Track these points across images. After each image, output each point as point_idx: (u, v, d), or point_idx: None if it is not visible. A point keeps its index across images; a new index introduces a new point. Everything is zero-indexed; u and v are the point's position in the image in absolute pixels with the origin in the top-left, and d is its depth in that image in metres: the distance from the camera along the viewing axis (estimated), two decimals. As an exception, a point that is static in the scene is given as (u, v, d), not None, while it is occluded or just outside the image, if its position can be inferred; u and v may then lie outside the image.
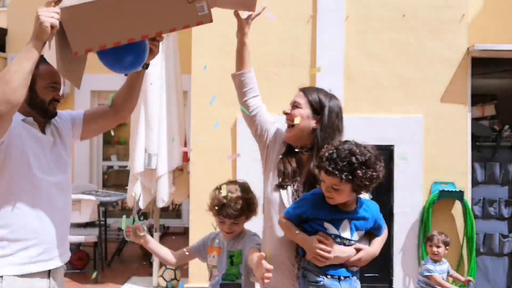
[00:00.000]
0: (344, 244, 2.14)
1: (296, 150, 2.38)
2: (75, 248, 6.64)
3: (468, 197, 5.37)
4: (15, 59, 1.96)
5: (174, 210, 8.60)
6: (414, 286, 5.21)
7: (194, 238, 5.47)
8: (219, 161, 5.45)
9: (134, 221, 2.65)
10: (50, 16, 1.90)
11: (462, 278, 4.57)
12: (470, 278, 4.58)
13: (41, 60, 2.21)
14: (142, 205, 5.55)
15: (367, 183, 2.03)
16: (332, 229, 2.12)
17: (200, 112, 5.47)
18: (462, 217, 5.37)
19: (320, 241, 2.08)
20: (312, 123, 2.37)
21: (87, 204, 5.90)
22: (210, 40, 5.49)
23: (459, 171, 5.37)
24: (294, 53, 5.46)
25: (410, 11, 5.43)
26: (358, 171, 1.99)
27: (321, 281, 2.09)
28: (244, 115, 2.55)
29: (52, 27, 1.90)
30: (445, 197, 5.26)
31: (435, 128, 5.38)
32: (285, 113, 2.42)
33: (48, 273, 2.25)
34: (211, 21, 2.14)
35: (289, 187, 2.32)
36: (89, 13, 1.94)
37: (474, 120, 5.58)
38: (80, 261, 6.13)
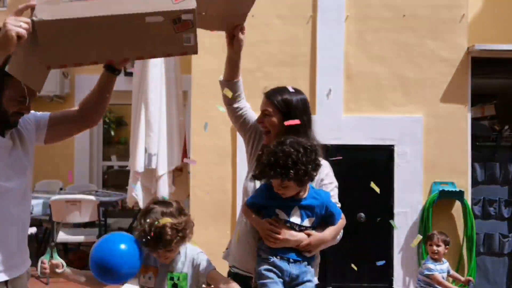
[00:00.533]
0: (295, 230, 2.33)
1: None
2: (75, 248, 6.65)
3: (468, 197, 5.37)
4: None
5: (174, 210, 8.59)
6: (414, 286, 5.21)
7: (194, 237, 5.47)
8: (219, 161, 5.46)
9: (52, 256, 2.42)
10: (18, 25, 1.83)
11: (462, 278, 4.58)
12: (470, 278, 4.59)
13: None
14: (142, 205, 5.55)
15: (306, 177, 2.26)
16: (283, 215, 2.34)
17: (200, 112, 5.47)
18: (462, 217, 5.37)
19: (271, 224, 2.32)
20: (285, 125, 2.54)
21: (87, 204, 5.90)
22: (210, 40, 5.49)
23: (459, 171, 5.37)
24: (294, 53, 5.46)
25: (410, 11, 5.43)
26: (292, 171, 2.22)
27: (271, 258, 2.31)
28: (230, 112, 2.83)
29: (19, 37, 1.82)
30: (445, 197, 5.26)
31: (435, 128, 5.39)
32: (259, 122, 2.62)
33: (6, 283, 2.16)
34: (195, 52, 2.03)
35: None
36: (70, 29, 1.84)
37: (474, 120, 5.58)
38: (80, 261, 6.13)
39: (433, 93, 5.41)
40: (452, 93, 5.40)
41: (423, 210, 5.33)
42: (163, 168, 5.33)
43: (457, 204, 5.38)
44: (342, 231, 2.47)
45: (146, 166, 5.30)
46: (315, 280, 2.44)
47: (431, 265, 4.39)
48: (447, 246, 4.49)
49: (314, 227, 2.37)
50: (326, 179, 2.50)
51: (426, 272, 4.38)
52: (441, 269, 4.42)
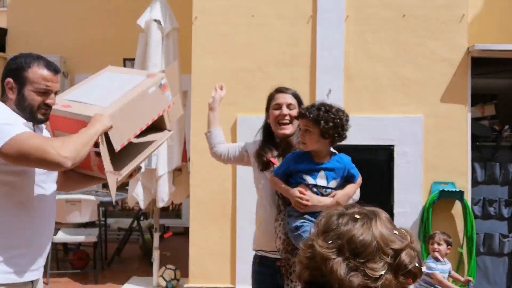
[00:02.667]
0: (322, 194, 2.60)
1: (277, 140, 2.85)
2: (75, 248, 6.64)
3: (468, 197, 5.37)
4: (86, 133, 2.17)
5: (174, 210, 8.60)
6: (414, 285, 5.20)
7: (194, 237, 5.48)
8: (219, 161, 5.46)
9: None
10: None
11: (462, 278, 4.57)
12: (470, 278, 4.58)
13: (33, 60, 2.20)
14: (142, 205, 5.56)
15: (330, 125, 2.54)
16: (310, 180, 2.58)
17: (200, 112, 5.47)
18: (462, 217, 5.37)
19: (300, 192, 2.56)
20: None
21: (87, 204, 5.90)
22: (210, 40, 5.49)
23: (459, 171, 5.36)
24: (294, 53, 5.46)
25: (410, 11, 5.43)
26: (322, 113, 2.54)
27: (303, 215, 2.56)
28: (226, 163, 3.10)
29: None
30: (445, 197, 5.26)
31: (435, 128, 5.38)
32: (283, 115, 2.82)
33: (32, 284, 2.23)
34: (171, 104, 2.70)
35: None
36: (121, 114, 2.37)
37: (474, 120, 5.58)
38: (80, 261, 6.13)
39: (433, 93, 5.41)
40: (452, 93, 5.39)
41: (423, 210, 5.33)
42: (163, 168, 5.33)
43: (457, 204, 5.38)
44: (359, 189, 2.77)
45: (146, 166, 5.30)
46: None
47: (432, 264, 4.39)
48: (449, 247, 4.49)
49: (337, 188, 2.63)
50: None
51: (427, 271, 4.37)
52: (442, 269, 4.42)
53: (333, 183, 2.62)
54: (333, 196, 2.60)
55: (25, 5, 7.33)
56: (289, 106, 2.82)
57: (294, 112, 2.80)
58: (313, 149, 2.61)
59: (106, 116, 2.24)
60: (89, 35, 7.09)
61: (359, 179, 2.75)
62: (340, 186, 2.66)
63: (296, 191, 2.56)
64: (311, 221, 2.52)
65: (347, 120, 2.64)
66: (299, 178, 2.60)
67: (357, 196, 2.77)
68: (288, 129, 2.80)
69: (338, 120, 2.57)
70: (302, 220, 2.55)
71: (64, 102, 2.38)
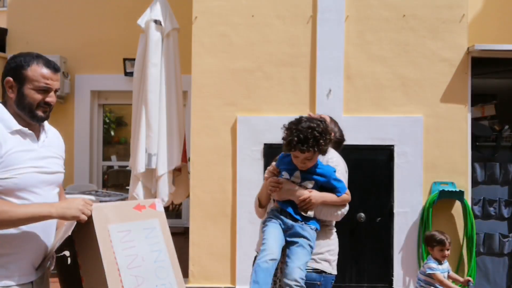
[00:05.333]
0: None
1: None
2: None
3: (468, 197, 5.37)
4: (31, 208, 2.07)
5: (174, 210, 8.60)
6: (414, 286, 5.21)
7: (194, 237, 5.48)
8: (219, 161, 5.46)
9: None
10: (88, 209, 2.13)
11: (461, 279, 4.57)
12: (469, 278, 4.58)
13: (32, 58, 2.20)
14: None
15: (326, 147, 2.68)
16: (286, 175, 2.79)
17: (200, 112, 5.48)
18: (462, 217, 5.37)
19: (274, 179, 2.79)
20: None
21: (87, 204, 5.88)
22: (210, 40, 5.49)
23: (459, 171, 5.37)
24: (294, 53, 5.46)
25: (410, 11, 5.43)
26: (321, 141, 2.64)
27: (273, 211, 2.81)
28: None
29: (81, 218, 2.10)
30: (445, 197, 5.26)
31: (435, 128, 5.39)
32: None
33: (32, 284, 2.22)
34: None
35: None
36: None
37: (474, 120, 5.58)
38: (80, 261, 6.11)
39: (433, 93, 5.41)
40: (452, 93, 5.39)
41: (423, 210, 5.33)
42: (163, 168, 5.32)
43: (457, 204, 5.38)
44: (347, 207, 2.80)
45: (146, 166, 5.30)
46: (330, 269, 2.82)
47: (433, 264, 4.40)
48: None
49: (313, 189, 2.74)
50: (332, 161, 2.87)
51: (429, 271, 4.38)
52: (442, 268, 4.43)
53: (307, 183, 2.76)
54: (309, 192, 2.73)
55: (25, 5, 7.33)
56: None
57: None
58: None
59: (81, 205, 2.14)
60: (89, 35, 7.08)
61: (344, 196, 2.81)
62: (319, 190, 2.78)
63: (270, 179, 2.80)
64: (278, 216, 2.74)
65: (325, 124, 2.74)
66: (280, 175, 2.82)
67: (345, 209, 2.83)
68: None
69: (324, 135, 2.68)
70: (269, 216, 2.79)
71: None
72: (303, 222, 2.70)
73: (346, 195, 2.81)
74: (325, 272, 2.77)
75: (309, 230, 2.70)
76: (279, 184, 2.74)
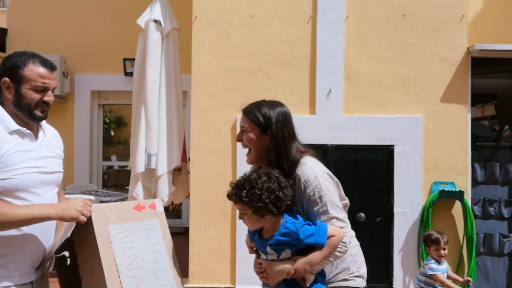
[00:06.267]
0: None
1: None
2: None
3: (468, 197, 5.37)
4: (30, 210, 2.07)
5: (174, 210, 8.60)
6: (414, 286, 5.21)
7: (194, 237, 5.48)
8: (219, 161, 5.46)
9: None
10: (88, 210, 2.14)
11: (461, 279, 4.57)
12: (469, 278, 4.58)
13: (28, 58, 2.20)
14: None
15: (260, 204, 2.30)
16: (263, 256, 2.46)
17: (200, 112, 5.48)
18: (462, 217, 5.37)
19: (257, 265, 2.47)
20: (265, 140, 2.50)
21: (87, 204, 5.89)
22: (210, 40, 5.49)
23: (459, 171, 5.37)
24: (294, 53, 5.46)
25: (410, 11, 5.43)
26: (243, 192, 2.34)
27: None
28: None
29: (80, 219, 2.11)
30: (445, 197, 5.26)
31: (435, 128, 5.39)
32: (238, 140, 2.61)
33: (32, 284, 2.23)
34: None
35: None
36: None
37: (474, 120, 5.58)
38: (80, 261, 6.12)
39: (433, 93, 5.41)
40: (452, 93, 5.40)
41: (423, 210, 5.33)
42: (163, 168, 5.32)
43: (457, 204, 5.38)
44: (344, 243, 2.41)
45: (145, 166, 5.30)
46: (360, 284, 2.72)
47: (433, 265, 4.39)
48: (447, 245, 4.51)
49: (296, 253, 2.37)
50: (314, 194, 2.41)
51: (430, 272, 4.37)
52: (442, 269, 4.43)
53: (285, 254, 2.37)
54: (294, 261, 2.36)
55: (25, 5, 7.33)
56: (241, 129, 2.60)
57: (249, 136, 2.56)
58: (259, 228, 2.44)
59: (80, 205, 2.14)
60: (89, 35, 7.09)
61: (333, 239, 2.35)
62: (301, 251, 2.37)
63: (256, 266, 2.50)
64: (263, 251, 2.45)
65: (281, 186, 2.32)
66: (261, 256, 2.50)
67: (339, 247, 2.41)
68: (248, 157, 2.65)
69: (267, 194, 2.29)
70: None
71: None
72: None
73: (333, 238, 2.36)
74: None
75: None
76: (264, 271, 2.41)
